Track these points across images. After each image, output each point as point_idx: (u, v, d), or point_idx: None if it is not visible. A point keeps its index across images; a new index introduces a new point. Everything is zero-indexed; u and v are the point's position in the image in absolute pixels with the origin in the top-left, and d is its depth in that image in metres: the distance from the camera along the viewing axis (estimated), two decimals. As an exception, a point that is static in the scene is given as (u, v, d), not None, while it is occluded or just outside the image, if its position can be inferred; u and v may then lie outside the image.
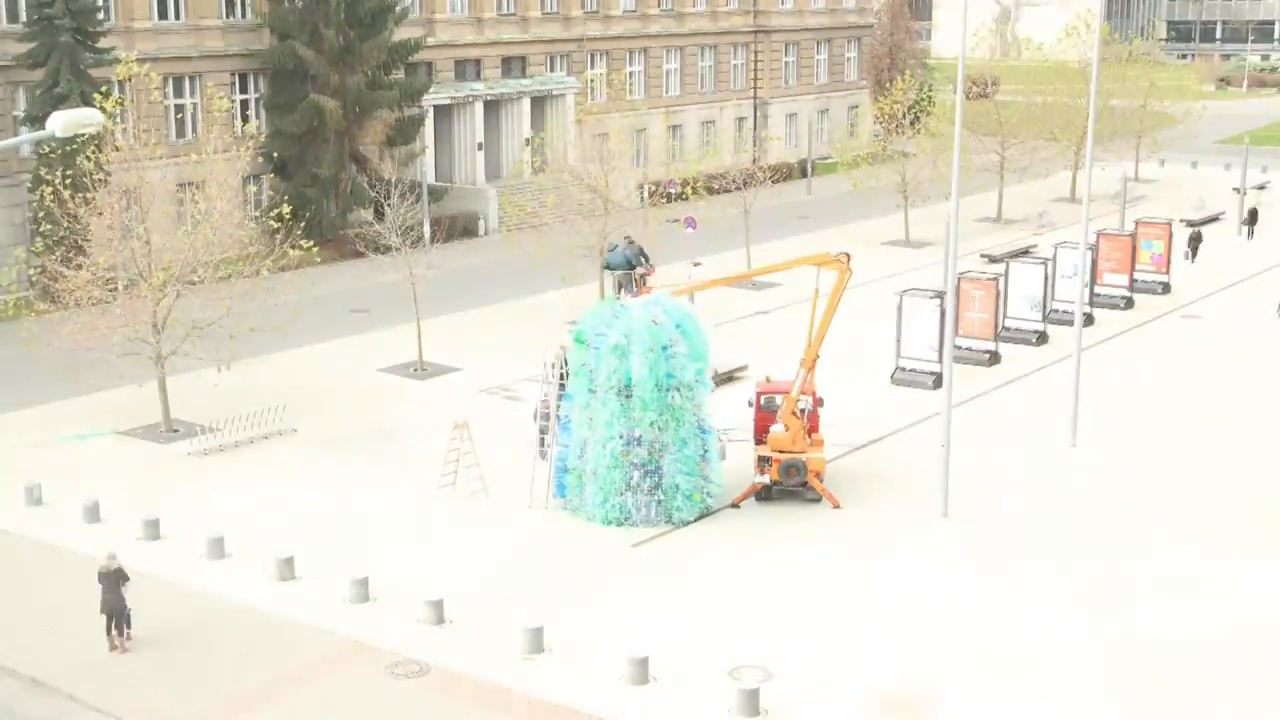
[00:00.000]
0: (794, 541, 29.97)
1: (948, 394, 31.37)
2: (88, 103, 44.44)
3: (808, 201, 73.41)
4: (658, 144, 75.19)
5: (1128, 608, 26.95)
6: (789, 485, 31.67)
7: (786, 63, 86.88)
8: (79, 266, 37.30)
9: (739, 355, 42.48)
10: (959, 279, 40.11)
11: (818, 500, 31.70)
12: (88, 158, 40.26)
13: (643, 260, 42.89)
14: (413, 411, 38.97)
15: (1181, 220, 65.37)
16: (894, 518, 31.22)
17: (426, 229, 56.12)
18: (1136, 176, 77.43)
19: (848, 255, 32.09)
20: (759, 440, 32.47)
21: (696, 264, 54.71)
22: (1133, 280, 51.41)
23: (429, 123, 64.43)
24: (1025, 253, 57.33)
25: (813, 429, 32.43)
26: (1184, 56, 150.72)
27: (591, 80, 74.91)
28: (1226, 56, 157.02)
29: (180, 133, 57.31)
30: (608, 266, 44.28)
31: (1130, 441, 36.55)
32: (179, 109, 57.53)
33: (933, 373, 40.05)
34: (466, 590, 27.28)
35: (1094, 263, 48.97)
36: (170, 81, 56.74)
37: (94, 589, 25.40)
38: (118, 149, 39.82)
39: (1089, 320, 45.87)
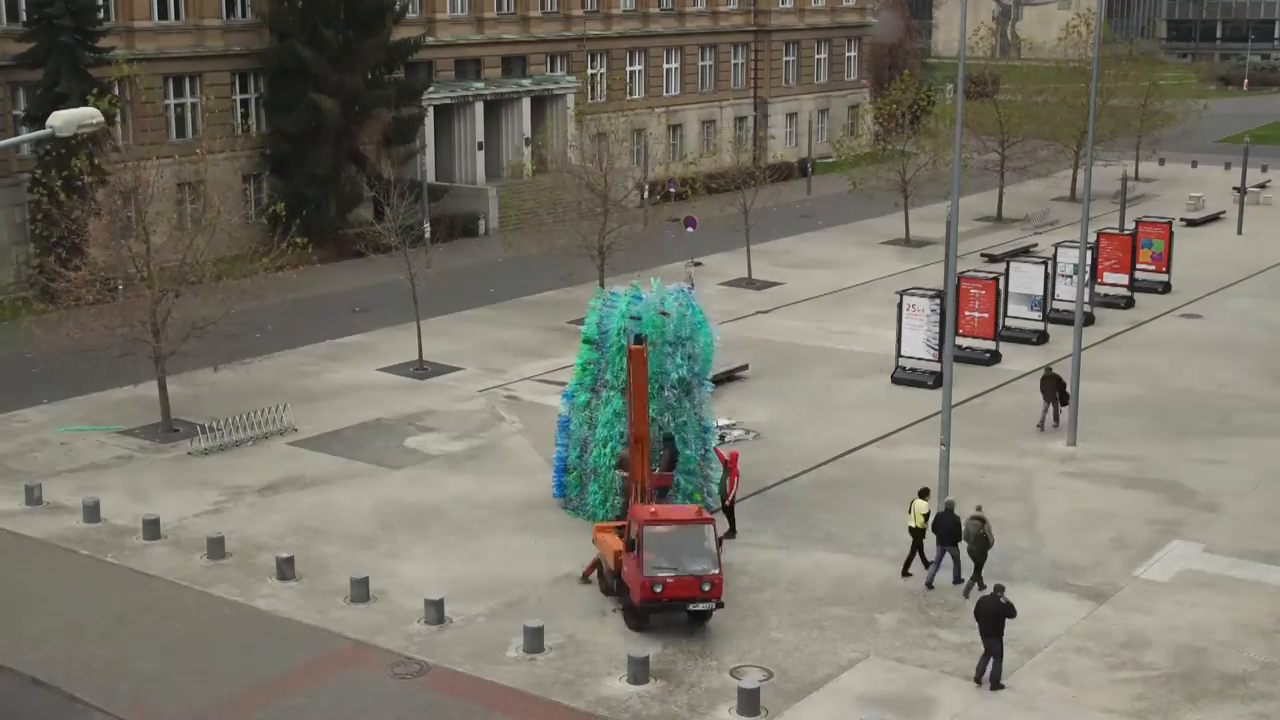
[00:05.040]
0: (793, 542, 29.95)
1: (947, 394, 31.36)
2: (86, 103, 44.42)
3: (808, 201, 73.40)
4: (658, 144, 75.17)
5: (1130, 607, 26.93)
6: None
7: (787, 62, 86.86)
8: (77, 267, 37.30)
9: (739, 354, 42.43)
10: (959, 278, 40.08)
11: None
12: (81, 159, 40.25)
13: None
14: (413, 411, 38.95)
15: (1181, 220, 65.41)
16: (893, 518, 31.18)
17: (427, 229, 56.10)
18: (1136, 176, 77.41)
19: (639, 338, 28.44)
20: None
21: (697, 263, 54.81)
22: (1133, 279, 51.42)
23: (429, 122, 64.41)
24: (1025, 252, 57.33)
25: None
26: (1184, 56, 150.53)
27: (592, 79, 74.89)
28: (1226, 56, 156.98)
29: (180, 132, 57.26)
30: None
31: (1130, 441, 36.54)
32: (178, 109, 57.50)
33: (933, 372, 40.05)
34: (466, 590, 27.28)
35: (1094, 262, 48.94)
36: (170, 81, 56.72)
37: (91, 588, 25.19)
38: (116, 149, 39.80)
39: (1089, 319, 45.85)
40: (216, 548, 28.97)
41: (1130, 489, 33.18)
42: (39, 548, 29.72)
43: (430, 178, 62.56)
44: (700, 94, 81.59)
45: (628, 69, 77.38)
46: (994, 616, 23.70)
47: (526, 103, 69.23)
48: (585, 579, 28.01)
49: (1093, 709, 23.18)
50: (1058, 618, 26.42)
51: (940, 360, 36.56)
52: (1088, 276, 42.47)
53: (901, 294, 42.47)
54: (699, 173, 66.23)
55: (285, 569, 27.90)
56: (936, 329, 40.16)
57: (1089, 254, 44.01)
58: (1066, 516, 31.43)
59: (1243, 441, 36.52)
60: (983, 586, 26.35)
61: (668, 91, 79.72)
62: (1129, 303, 50.91)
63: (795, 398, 40.07)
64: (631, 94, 77.36)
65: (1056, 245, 49.66)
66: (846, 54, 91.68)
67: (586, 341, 31.09)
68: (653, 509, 26.66)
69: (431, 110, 64.53)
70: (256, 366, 42.09)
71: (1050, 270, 46.80)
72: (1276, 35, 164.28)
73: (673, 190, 67.03)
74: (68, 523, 30.84)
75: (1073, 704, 23.35)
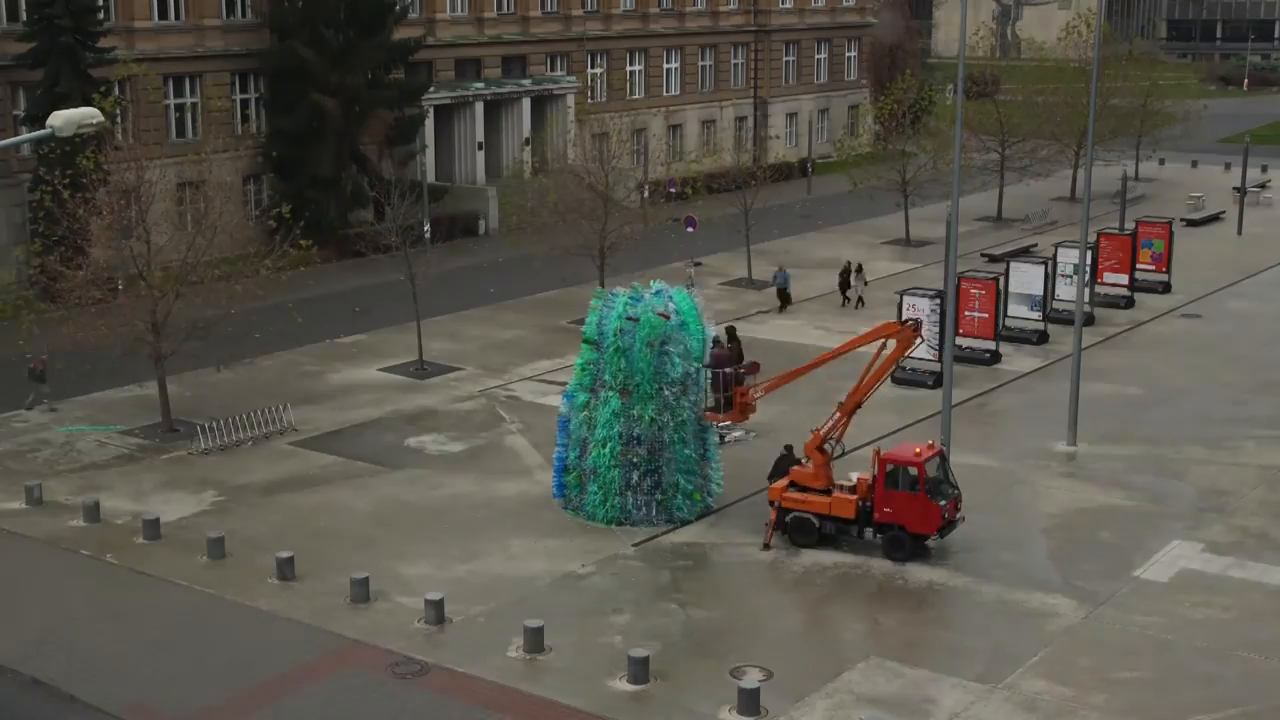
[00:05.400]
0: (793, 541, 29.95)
1: (947, 394, 31.37)
2: (88, 103, 44.39)
3: (808, 201, 73.39)
4: (658, 144, 75.14)
5: (1129, 607, 26.93)
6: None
7: (787, 62, 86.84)
8: (79, 266, 37.30)
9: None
10: (959, 278, 40.08)
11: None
12: (87, 158, 40.25)
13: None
14: (413, 411, 38.95)
15: (1181, 220, 65.41)
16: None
17: (427, 229, 56.09)
18: (1136, 176, 77.37)
19: (917, 323, 31.28)
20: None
21: (697, 263, 54.80)
22: (1133, 279, 51.42)
23: (429, 122, 64.39)
24: (1026, 252, 57.32)
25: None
26: (1184, 56, 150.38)
27: (592, 79, 74.88)
28: (1226, 56, 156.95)
29: (180, 132, 57.26)
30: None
31: (1130, 441, 36.54)
32: (179, 109, 57.50)
33: (933, 372, 40.04)
34: (466, 590, 27.28)
35: (1094, 262, 48.93)
36: (170, 81, 56.72)
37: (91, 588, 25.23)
38: (117, 149, 39.81)
39: (1089, 319, 45.84)
40: (216, 548, 28.97)
41: (1130, 489, 33.18)
42: (39, 548, 29.73)
43: (430, 178, 62.56)
44: (700, 94, 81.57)
45: (628, 69, 77.38)
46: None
47: (526, 103, 69.23)
48: (767, 546, 29.41)
49: (1093, 709, 23.18)
50: (1057, 618, 26.43)
51: (940, 360, 36.56)
52: (1088, 276, 42.48)
53: (901, 294, 42.47)
54: (699, 173, 66.18)
55: (285, 569, 27.89)
56: (936, 329, 40.14)
57: (1089, 254, 44.02)
58: (1066, 516, 31.45)
59: (1242, 442, 36.52)
60: None
61: (668, 91, 79.69)
62: (1129, 303, 50.91)
63: (795, 398, 40.03)
64: (631, 94, 77.35)
65: (1056, 245, 49.65)
66: (846, 54, 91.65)
67: (587, 341, 31.10)
68: (917, 449, 29.32)
69: (432, 110, 64.52)
70: (257, 366, 42.11)
71: (1050, 270, 46.80)
72: (1276, 35, 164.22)
73: (673, 190, 67.00)
74: (68, 523, 30.84)
75: (1073, 704, 23.35)
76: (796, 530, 29.63)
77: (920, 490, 28.66)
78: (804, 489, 29.75)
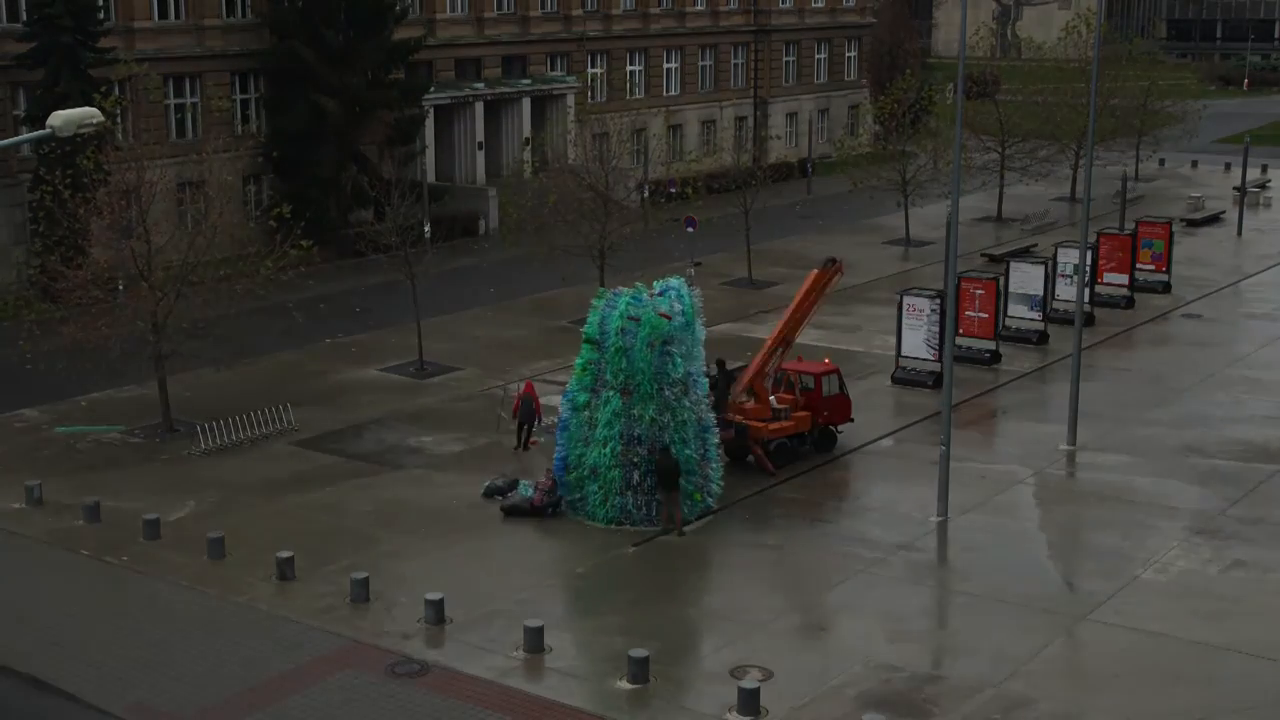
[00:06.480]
0: (794, 541, 29.99)
1: (947, 394, 31.38)
2: (88, 103, 44.39)
3: (808, 201, 73.39)
4: (658, 144, 75.17)
5: (1130, 609, 26.93)
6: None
7: (787, 62, 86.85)
8: (79, 266, 37.31)
9: (740, 354, 42.39)
10: (959, 278, 40.09)
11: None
12: (87, 158, 40.29)
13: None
14: (413, 411, 38.96)
15: (1181, 220, 65.44)
16: (893, 518, 31.22)
17: (427, 229, 56.09)
18: (1136, 176, 77.38)
19: (834, 260, 34.70)
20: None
21: (697, 263, 54.80)
22: (1133, 279, 51.44)
23: (429, 122, 64.41)
24: (1026, 252, 57.33)
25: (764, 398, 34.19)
26: (1184, 56, 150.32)
27: (592, 79, 74.88)
28: (1226, 56, 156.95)
29: (180, 132, 57.27)
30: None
31: (1130, 441, 36.54)
32: (179, 109, 57.51)
33: (933, 372, 40.06)
34: (466, 590, 27.28)
35: (1094, 262, 48.94)
36: (170, 81, 56.73)
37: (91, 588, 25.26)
38: (118, 149, 39.83)
39: (1089, 319, 45.85)
40: (216, 548, 28.97)
41: (1130, 489, 33.18)
42: (39, 548, 29.74)
43: (430, 178, 62.57)
44: (700, 94, 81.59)
45: (628, 69, 77.39)
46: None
47: (526, 103, 69.23)
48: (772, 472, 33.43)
49: (1094, 711, 23.17)
50: (1057, 619, 26.43)
51: (940, 360, 36.58)
52: (1088, 276, 42.50)
53: (901, 294, 42.48)
54: (699, 173, 66.20)
55: (285, 569, 27.90)
56: (936, 329, 40.18)
57: (1089, 254, 44.05)
58: (1066, 516, 31.46)
59: (1243, 441, 36.49)
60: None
61: (668, 91, 79.70)
62: (1129, 303, 50.91)
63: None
64: (632, 94, 77.36)
65: (1056, 245, 49.67)
66: (846, 54, 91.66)
67: (588, 341, 31.10)
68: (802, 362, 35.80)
69: (432, 110, 64.53)
70: (257, 366, 42.10)
71: (1050, 270, 46.81)
72: (1276, 35, 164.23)
73: (673, 190, 67.00)
74: (68, 523, 30.85)
75: (1073, 705, 23.34)
76: (780, 454, 33.59)
77: (842, 390, 35.00)
78: (767, 420, 33.60)
